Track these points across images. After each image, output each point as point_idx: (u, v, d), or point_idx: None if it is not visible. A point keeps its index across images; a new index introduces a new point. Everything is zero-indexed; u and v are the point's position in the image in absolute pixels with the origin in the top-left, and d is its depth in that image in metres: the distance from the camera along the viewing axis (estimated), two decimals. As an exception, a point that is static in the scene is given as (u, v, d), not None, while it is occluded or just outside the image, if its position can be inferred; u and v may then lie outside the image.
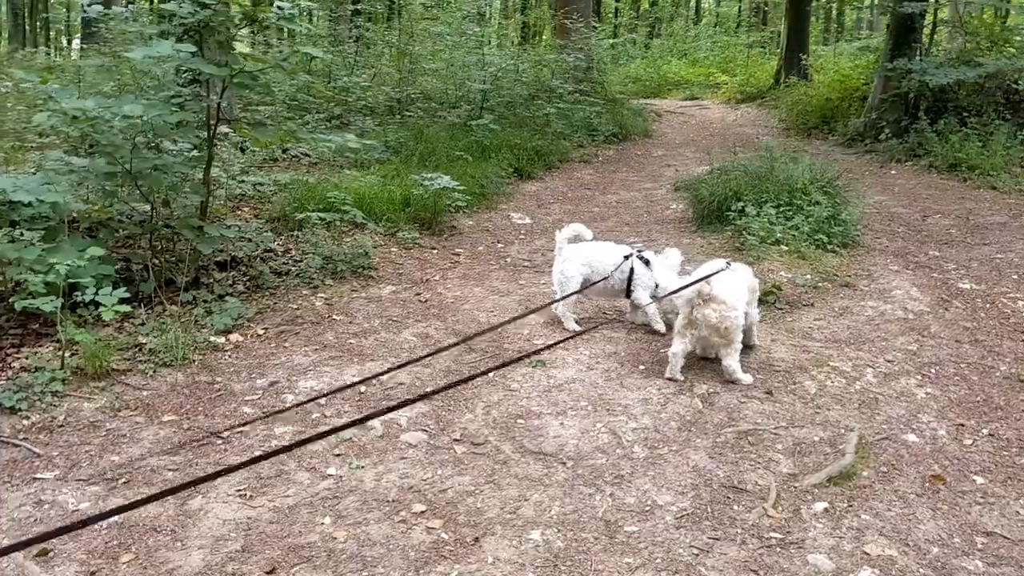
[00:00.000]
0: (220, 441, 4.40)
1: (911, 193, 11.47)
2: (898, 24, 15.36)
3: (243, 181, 9.19)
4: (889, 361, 5.55)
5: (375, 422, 4.57)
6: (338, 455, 4.27)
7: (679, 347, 5.18)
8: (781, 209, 8.31)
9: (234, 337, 5.79)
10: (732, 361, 5.14)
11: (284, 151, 11.50)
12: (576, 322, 6.14)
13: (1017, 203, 10.58)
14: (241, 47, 17.60)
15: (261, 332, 5.92)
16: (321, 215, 7.63)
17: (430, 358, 5.51)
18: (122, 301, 5.26)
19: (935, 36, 17.46)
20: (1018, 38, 15.99)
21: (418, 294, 6.92)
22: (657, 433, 4.50)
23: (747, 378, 5.17)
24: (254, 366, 5.37)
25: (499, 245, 8.70)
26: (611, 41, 31.77)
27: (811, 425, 4.63)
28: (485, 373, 5.07)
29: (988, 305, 6.68)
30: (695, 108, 23.50)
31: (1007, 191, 11.21)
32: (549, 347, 5.51)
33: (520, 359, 5.29)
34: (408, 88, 15.10)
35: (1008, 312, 6.52)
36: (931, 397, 5.04)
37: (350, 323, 6.19)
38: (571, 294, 5.96)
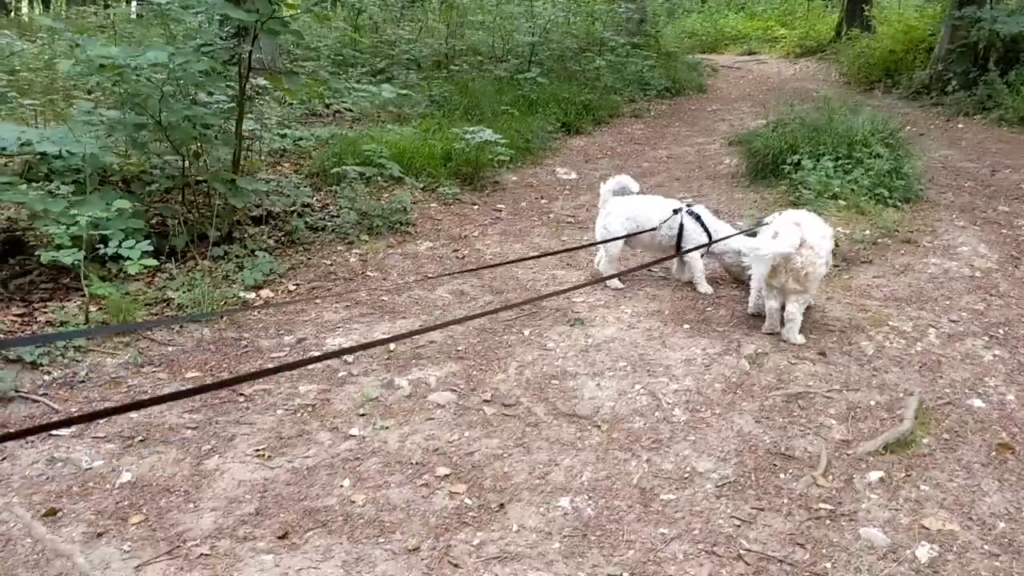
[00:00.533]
0: (242, 399, 4.24)
1: (979, 147, 10.88)
2: (968, -30, 14.56)
3: (284, 135, 9.04)
4: (953, 321, 5.19)
5: (403, 380, 4.38)
6: (362, 415, 4.08)
7: (775, 302, 4.88)
8: (839, 162, 7.88)
9: (264, 293, 5.64)
10: (797, 308, 4.82)
11: (327, 106, 11.31)
12: (619, 279, 5.86)
13: (1094, 157, 9.97)
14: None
15: (292, 288, 5.76)
16: (358, 169, 7.42)
17: (464, 315, 5.30)
18: (148, 254, 5.13)
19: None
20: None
21: (455, 250, 6.70)
22: (700, 395, 4.23)
23: (800, 339, 4.87)
24: (283, 322, 5.21)
25: (542, 201, 8.41)
26: (665, -5, 30.87)
27: (867, 388, 4.32)
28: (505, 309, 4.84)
29: (1063, 263, 6.24)
30: (752, 63, 22.76)
31: (1084, 145, 10.58)
32: (574, 288, 5.25)
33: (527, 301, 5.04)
34: (455, 42, 14.76)
35: (1085, 270, 6.09)
36: (999, 360, 4.68)
37: (384, 279, 6.00)
38: (609, 240, 5.68)
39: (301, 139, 9.17)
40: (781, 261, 4.71)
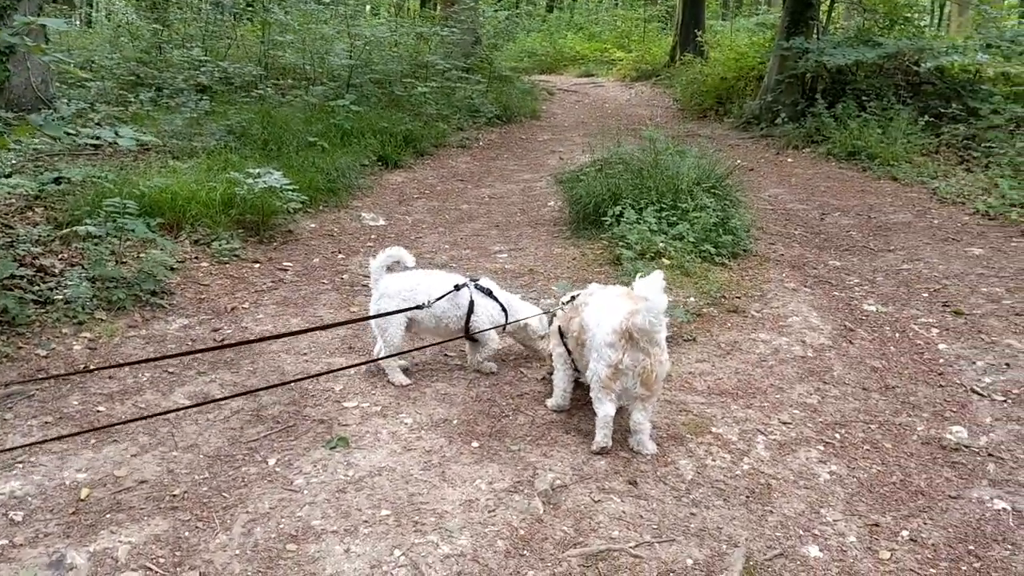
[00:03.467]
0: None
1: (808, 185, 10.58)
2: None
3: (39, 175, 7.64)
4: (785, 423, 4.47)
5: (80, 556, 3.23)
6: (3, 624, 2.93)
7: (612, 408, 4.03)
8: (664, 214, 7.19)
9: (-63, 407, 4.34)
10: (645, 417, 4.08)
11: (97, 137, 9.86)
12: (406, 372, 4.89)
13: (920, 197, 9.77)
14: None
15: (-20, 397, 4.48)
16: (92, 230, 6.14)
17: (199, 436, 4.18)
18: None
19: (832, 13, 16.69)
20: (918, 15, 15.32)
21: (215, 330, 5.55)
22: (476, 563, 3.27)
23: (653, 447, 4.12)
24: (-51, 454, 3.95)
25: (339, 256, 7.35)
26: (505, 13, 30.39)
27: (684, 537, 3.48)
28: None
29: (898, 334, 5.69)
30: (589, 86, 22.45)
31: (908, 183, 10.41)
32: (331, 372, 4.24)
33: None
34: (268, 61, 13.47)
35: (921, 344, 5.55)
36: (836, 479, 3.96)
37: (110, 378, 4.79)
38: (380, 314, 4.70)
39: (61, 179, 7.78)
40: (630, 362, 3.92)
